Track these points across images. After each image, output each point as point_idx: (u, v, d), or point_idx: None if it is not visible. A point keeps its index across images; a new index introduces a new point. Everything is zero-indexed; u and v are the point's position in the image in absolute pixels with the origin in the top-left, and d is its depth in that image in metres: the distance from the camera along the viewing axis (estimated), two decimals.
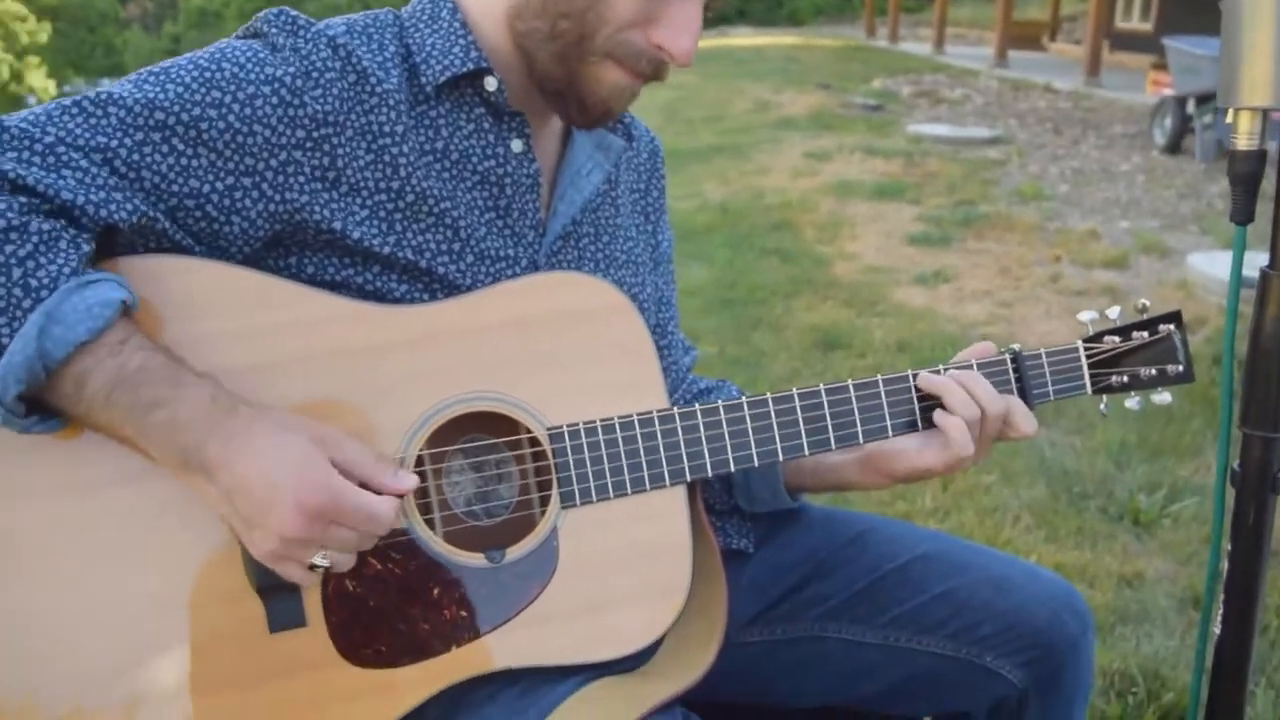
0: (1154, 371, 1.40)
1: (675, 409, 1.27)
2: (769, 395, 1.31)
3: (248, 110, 1.19)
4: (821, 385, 1.32)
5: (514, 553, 1.24)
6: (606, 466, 1.25)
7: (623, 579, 1.25)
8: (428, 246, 1.27)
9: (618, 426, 1.25)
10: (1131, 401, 1.43)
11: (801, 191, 7.97)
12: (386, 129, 1.25)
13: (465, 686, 1.23)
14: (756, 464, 1.29)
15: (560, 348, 1.25)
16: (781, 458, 1.30)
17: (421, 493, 1.23)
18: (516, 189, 1.33)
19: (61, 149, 1.12)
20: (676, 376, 1.56)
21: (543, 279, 1.28)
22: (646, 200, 1.54)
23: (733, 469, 1.29)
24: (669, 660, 1.32)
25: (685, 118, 11.72)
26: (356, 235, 1.23)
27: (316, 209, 1.22)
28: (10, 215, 1.07)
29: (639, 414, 1.26)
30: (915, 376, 1.36)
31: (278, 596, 1.18)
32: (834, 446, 1.32)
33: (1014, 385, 1.39)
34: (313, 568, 1.11)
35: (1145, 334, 1.40)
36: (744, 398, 1.30)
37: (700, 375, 1.64)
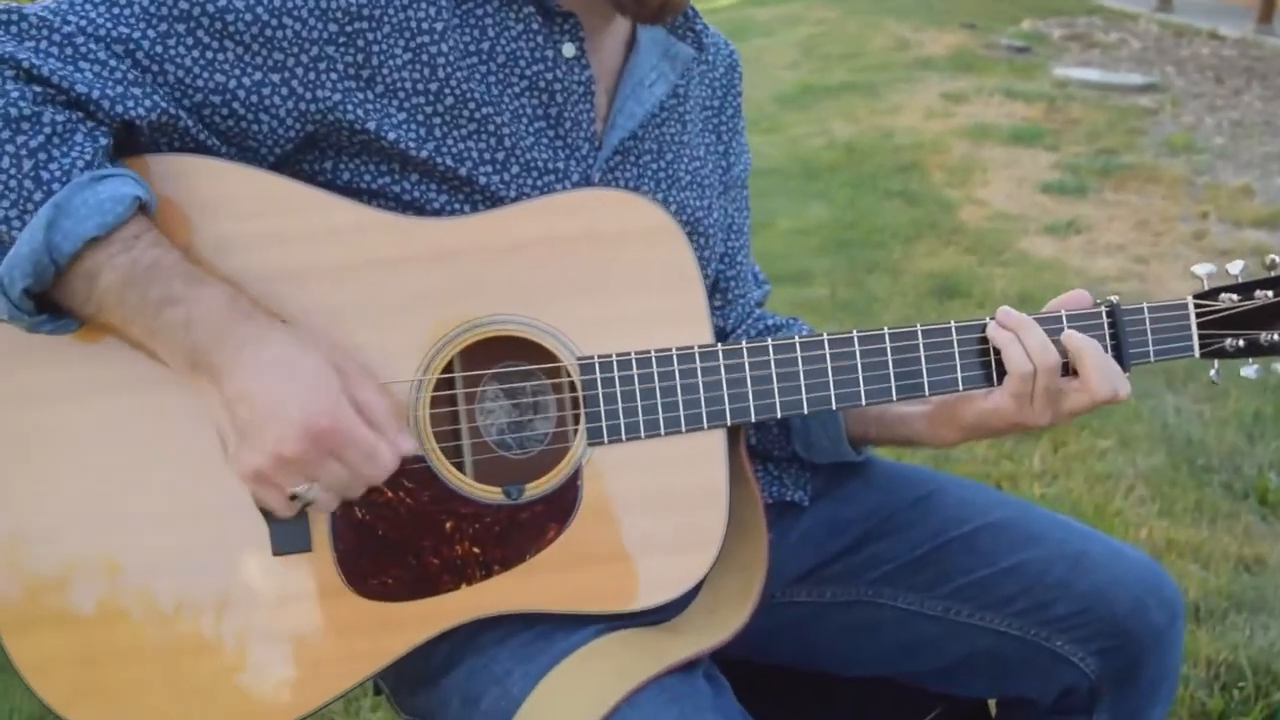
0: (1276, 337, 1.23)
1: (719, 345, 1.15)
2: (825, 335, 1.18)
3: (277, 2, 1.10)
4: (886, 328, 1.19)
5: (534, 489, 1.14)
6: (640, 404, 1.14)
7: (651, 526, 1.15)
8: (469, 154, 1.17)
9: (654, 360, 1.14)
10: (1249, 369, 1.25)
11: (934, 133, 7.63)
12: (425, 25, 1.15)
13: (476, 626, 1.15)
14: (806, 411, 1.17)
15: (598, 271, 1.15)
16: (834, 406, 1.18)
17: (449, 418, 1.15)
18: (568, 97, 1.23)
19: (80, 39, 1.06)
20: (743, 310, 1.44)
21: (583, 195, 1.18)
22: (720, 118, 1.42)
23: (779, 415, 1.17)
24: (699, 616, 1.22)
25: (821, 54, 11.36)
26: (392, 137, 1.15)
27: (350, 108, 1.14)
28: (23, 105, 1.02)
29: (678, 348, 1.15)
30: (989, 325, 1.21)
31: (282, 519, 1.11)
32: (895, 397, 1.19)
33: (1108, 341, 1.23)
34: (293, 497, 1.04)
35: (1270, 293, 1.23)
36: (798, 337, 1.17)
37: (771, 311, 1.52)
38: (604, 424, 1.14)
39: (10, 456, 1.10)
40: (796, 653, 1.42)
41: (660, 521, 1.15)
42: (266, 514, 1.11)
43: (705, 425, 1.15)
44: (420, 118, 1.16)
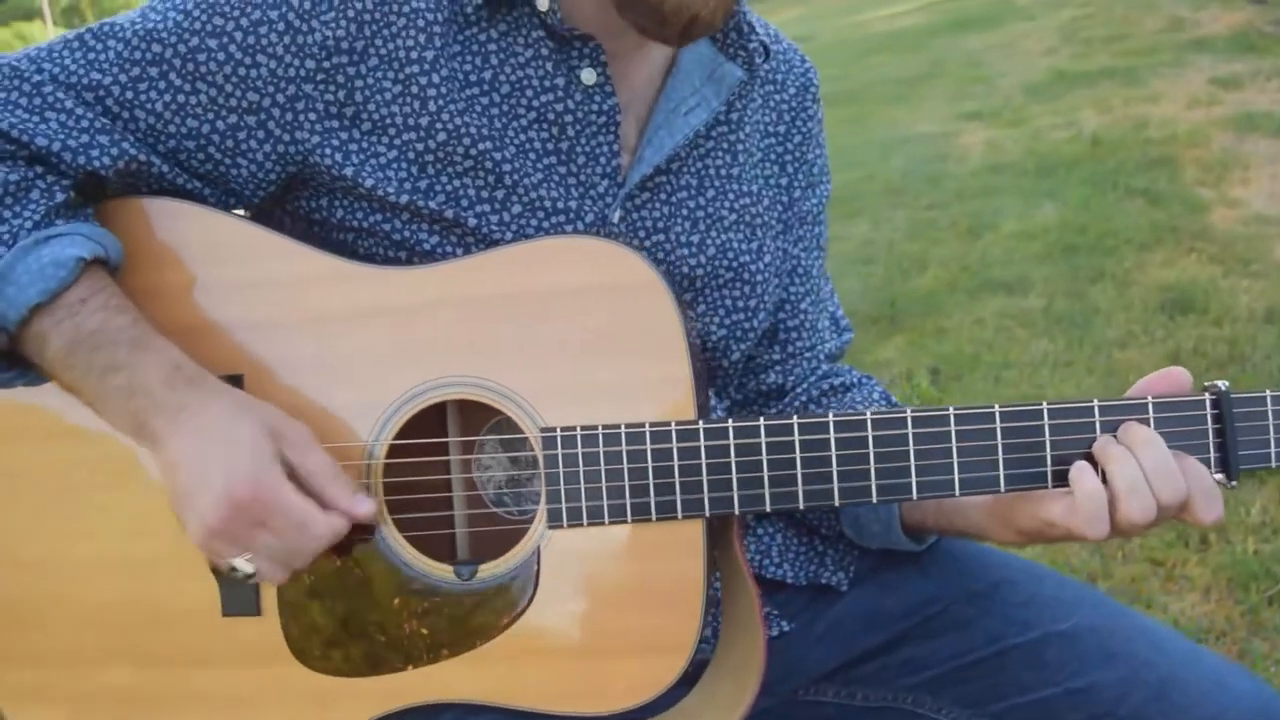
0: None
1: (700, 422, 1.00)
2: (830, 416, 1.00)
3: (250, 39, 1.04)
4: (909, 409, 1.00)
5: (487, 570, 1.03)
6: (605, 485, 1.00)
7: (615, 622, 1.02)
8: (464, 194, 1.07)
9: (624, 437, 1.00)
10: None
11: (1193, 123, 6.92)
12: (415, 55, 1.06)
13: (434, 708, 1.05)
14: (801, 506, 1.00)
15: (568, 330, 1.02)
16: (837, 502, 1.00)
17: (433, 472, 1.06)
18: (582, 129, 1.10)
19: (49, 88, 1.04)
20: (808, 366, 1.27)
21: (557, 243, 1.05)
22: (785, 146, 1.25)
23: (768, 509, 1.00)
24: None
25: (1083, 38, 10.58)
26: (369, 184, 1.06)
27: (328, 152, 1.06)
28: None
29: (652, 424, 1.00)
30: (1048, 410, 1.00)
31: (234, 580, 1.05)
32: (915, 497, 1.00)
33: (1210, 438, 0.99)
34: (232, 569, 0.97)
35: None
36: (796, 418, 1.00)
37: (849, 366, 1.33)
38: (564, 505, 1.01)
39: None
40: None
41: (626, 618, 1.02)
42: (217, 573, 1.05)
43: (679, 515, 1.00)
44: (411, 155, 1.07)
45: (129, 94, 1.05)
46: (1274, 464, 0.98)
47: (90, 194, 1.07)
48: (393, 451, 1.04)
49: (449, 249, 1.08)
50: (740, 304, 1.19)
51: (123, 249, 1.05)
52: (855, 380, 1.30)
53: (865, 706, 1.21)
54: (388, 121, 1.06)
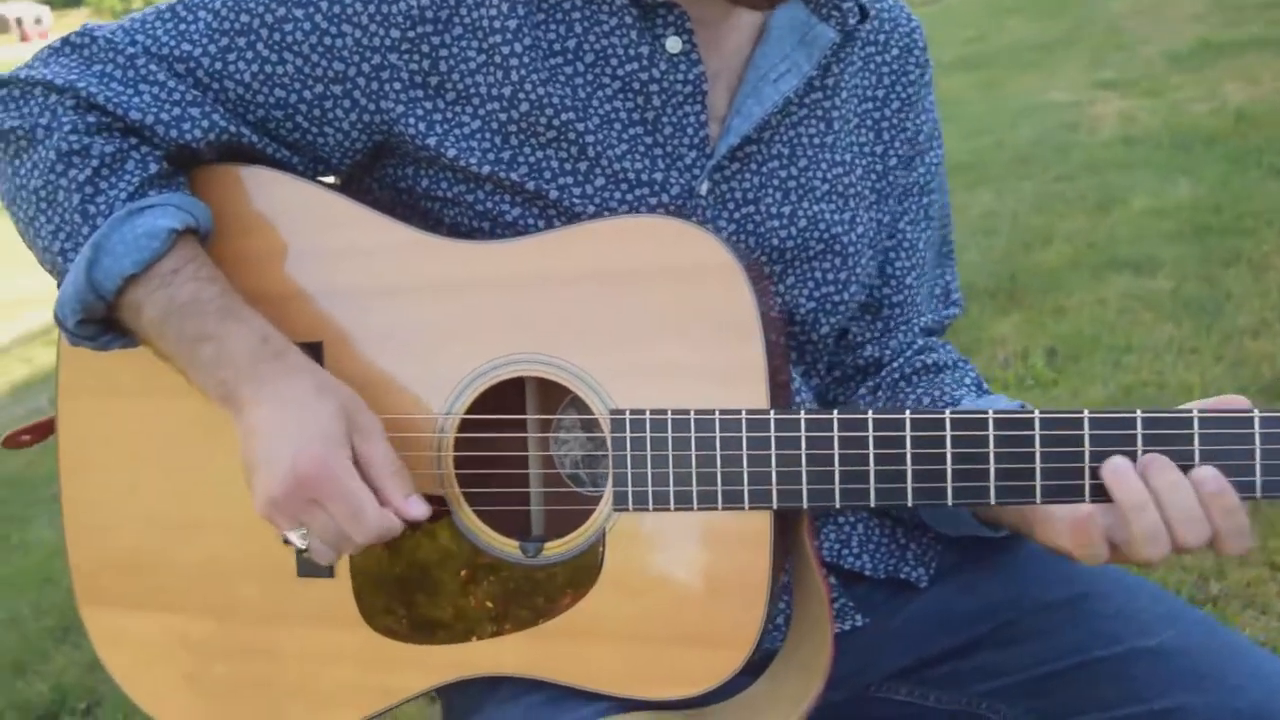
0: None
1: (771, 411, 0.97)
2: (907, 414, 0.96)
3: (336, 9, 1.05)
4: (991, 411, 0.96)
5: (553, 549, 1.03)
6: (671, 471, 0.99)
7: (673, 612, 1.01)
8: (547, 166, 1.06)
9: (693, 423, 0.98)
10: None
11: None
12: (498, 24, 1.05)
13: (487, 681, 1.06)
14: (873, 504, 0.97)
15: (641, 311, 1.00)
16: (910, 503, 0.97)
17: (508, 447, 1.07)
18: (668, 98, 1.08)
19: (142, 60, 1.06)
20: (904, 338, 1.24)
21: (629, 223, 1.03)
22: (883, 112, 1.20)
23: (837, 505, 0.98)
24: (741, 713, 1.06)
25: (1236, 4, 10.03)
26: (452, 154, 1.06)
27: (412, 121, 1.07)
28: (73, 138, 1.03)
29: (722, 412, 0.98)
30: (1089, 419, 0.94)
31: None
32: (993, 501, 0.96)
33: (1258, 459, 0.92)
34: (286, 541, 1.00)
35: None
36: (871, 412, 0.97)
37: (945, 343, 1.28)
38: (629, 489, 1.00)
39: (93, 442, 1.15)
40: None
41: (687, 607, 1.00)
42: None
43: (746, 505, 0.98)
44: (494, 125, 1.06)
45: (218, 65, 1.06)
46: None
47: (183, 162, 1.09)
48: (465, 426, 1.04)
49: (531, 221, 1.08)
50: (831, 276, 1.16)
51: (213, 217, 1.07)
52: (950, 360, 1.25)
53: (938, 709, 1.18)
54: (471, 91, 1.06)
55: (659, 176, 1.08)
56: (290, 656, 1.09)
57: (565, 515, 1.07)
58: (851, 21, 1.14)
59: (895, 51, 1.21)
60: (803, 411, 0.97)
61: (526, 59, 1.05)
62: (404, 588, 1.07)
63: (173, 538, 1.12)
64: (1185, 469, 0.92)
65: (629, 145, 1.08)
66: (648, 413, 0.99)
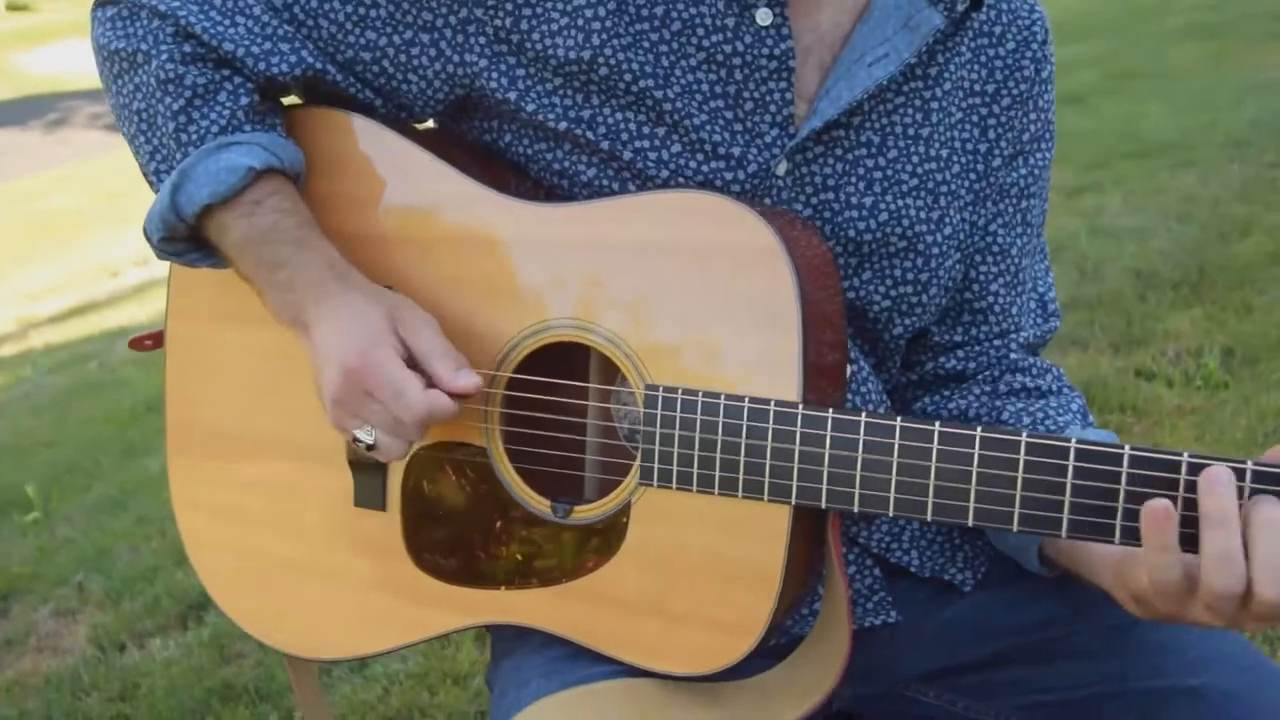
0: None
1: (800, 406, 0.97)
2: (937, 427, 0.95)
3: None
4: (1025, 434, 0.93)
5: (581, 513, 1.06)
6: (696, 453, 1.00)
7: (687, 590, 1.03)
8: (624, 128, 1.08)
9: (722, 408, 0.99)
10: None
11: None
12: None
13: (520, 628, 1.11)
14: (891, 514, 0.96)
15: (684, 290, 1.01)
16: (929, 518, 0.95)
17: (549, 420, 1.10)
18: (750, 73, 1.07)
19: None
20: (995, 354, 1.20)
21: (686, 197, 1.03)
22: (993, 108, 1.15)
23: (855, 511, 0.97)
24: (749, 695, 1.08)
25: None
26: (531, 109, 1.08)
27: (495, 76, 1.09)
28: (169, 67, 1.09)
29: (752, 399, 0.98)
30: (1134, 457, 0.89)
31: (365, 473, 1.14)
32: (1015, 529, 0.94)
33: None
34: (355, 440, 1.05)
35: None
36: (899, 420, 0.95)
37: (1050, 364, 1.22)
38: (656, 464, 1.02)
39: (190, 361, 1.25)
40: None
41: (701, 588, 1.02)
42: (354, 465, 1.14)
43: (765, 497, 0.99)
44: (576, 85, 1.08)
45: (314, 2, 1.10)
46: None
47: (274, 96, 1.14)
48: (514, 385, 1.08)
49: (605, 182, 1.09)
50: (910, 276, 1.13)
51: (302, 158, 1.12)
52: (1053, 386, 1.19)
53: (965, 716, 1.16)
54: (550, 52, 1.07)
55: (736, 151, 1.08)
56: (338, 578, 1.17)
57: (612, 485, 1.10)
58: (960, 8, 1.10)
59: (1011, 45, 1.15)
60: (831, 411, 0.97)
61: (610, 23, 1.06)
62: (446, 530, 1.12)
63: (251, 454, 1.21)
64: None
65: (709, 116, 1.07)
66: (680, 392, 1.00)
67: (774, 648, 1.08)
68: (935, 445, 0.94)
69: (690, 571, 1.02)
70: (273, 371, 1.19)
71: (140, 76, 1.10)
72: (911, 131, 1.12)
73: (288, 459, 1.18)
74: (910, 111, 1.12)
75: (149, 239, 1.12)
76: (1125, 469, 0.88)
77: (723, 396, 0.99)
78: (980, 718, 1.16)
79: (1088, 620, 1.12)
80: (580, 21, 1.06)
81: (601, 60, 1.06)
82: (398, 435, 1.05)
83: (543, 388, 1.08)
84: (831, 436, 0.96)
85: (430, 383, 1.02)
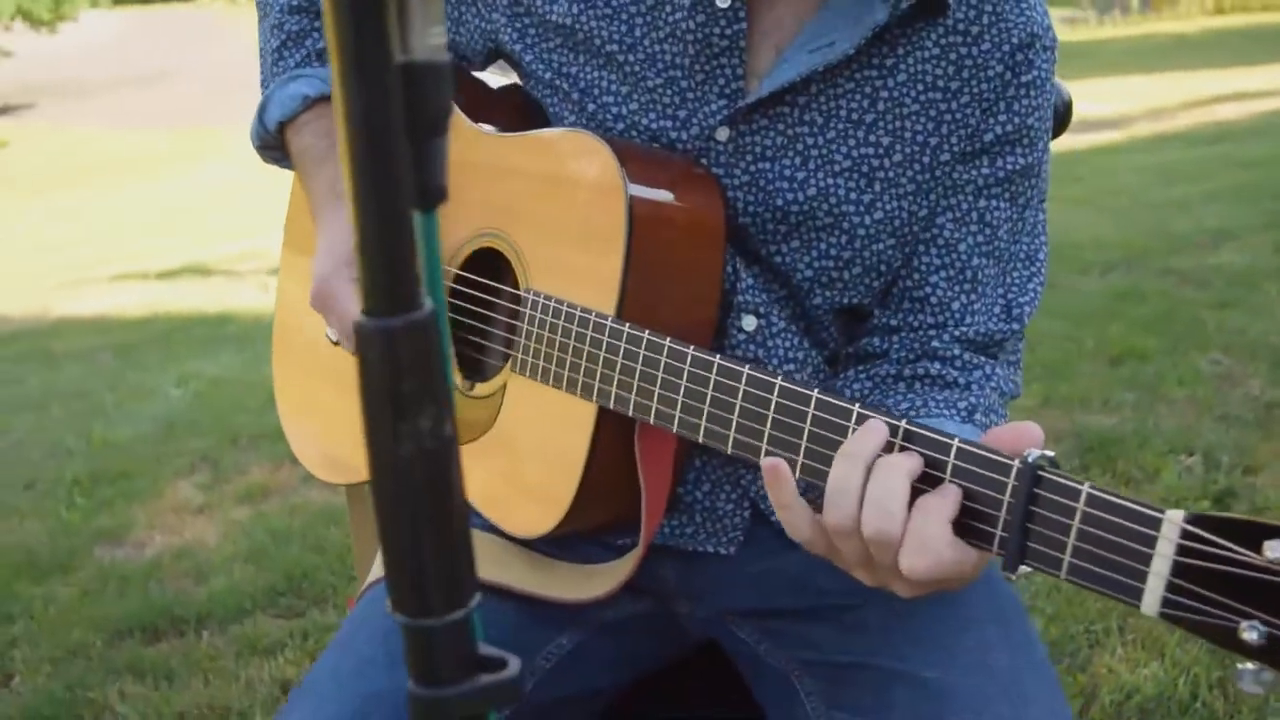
0: (1253, 634, 0.76)
1: (627, 325, 1.11)
2: (716, 360, 1.05)
3: None
4: (816, 391, 0.99)
5: (479, 390, 1.26)
6: (543, 349, 1.18)
7: (523, 464, 1.20)
8: (595, 85, 1.24)
9: (564, 314, 1.16)
10: (1248, 681, 0.78)
11: None
12: None
13: None
14: (675, 431, 1.08)
15: (554, 212, 1.19)
16: (701, 438, 1.06)
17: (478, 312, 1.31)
18: (704, 47, 1.19)
19: None
20: (917, 343, 1.22)
21: (564, 136, 1.21)
22: (949, 105, 1.17)
23: (651, 422, 1.10)
24: (574, 575, 1.24)
25: None
26: (529, 59, 1.28)
27: (510, 33, 1.28)
28: (277, 16, 1.39)
29: (589, 311, 1.13)
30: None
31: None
32: (729, 451, 1.05)
33: (1003, 512, 0.87)
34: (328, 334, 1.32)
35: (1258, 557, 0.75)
36: (693, 349, 1.07)
37: (986, 361, 1.22)
38: (519, 355, 1.20)
39: (283, 281, 1.55)
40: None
41: (531, 464, 1.19)
42: None
43: (593, 400, 1.14)
44: (570, 44, 1.25)
45: None
46: (1063, 575, 0.82)
47: None
48: (458, 281, 1.30)
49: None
50: (833, 252, 1.19)
51: None
52: (962, 381, 1.19)
53: (765, 660, 1.26)
54: (548, 16, 1.24)
55: (683, 114, 1.19)
56: (346, 413, 1.41)
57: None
58: (903, 6, 1.12)
59: (985, 46, 1.16)
60: (646, 332, 1.10)
61: None
62: None
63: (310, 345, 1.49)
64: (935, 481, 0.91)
65: (665, 81, 1.20)
66: (544, 298, 1.18)
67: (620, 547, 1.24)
68: (713, 375, 1.05)
69: (525, 450, 1.20)
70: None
71: (265, 23, 1.43)
72: (855, 116, 1.17)
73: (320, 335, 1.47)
74: (858, 98, 1.16)
75: (253, 143, 1.41)
76: (811, 410, 0.96)
77: (574, 307, 1.15)
78: (773, 661, 1.24)
79: (882, 600, 1.11)
80: None
81: (579, 26, 1.22)
82: (351, 343, 1.27)
83: (470, 284, 1.29)
84: (644, 355, 1.09)
85: None
